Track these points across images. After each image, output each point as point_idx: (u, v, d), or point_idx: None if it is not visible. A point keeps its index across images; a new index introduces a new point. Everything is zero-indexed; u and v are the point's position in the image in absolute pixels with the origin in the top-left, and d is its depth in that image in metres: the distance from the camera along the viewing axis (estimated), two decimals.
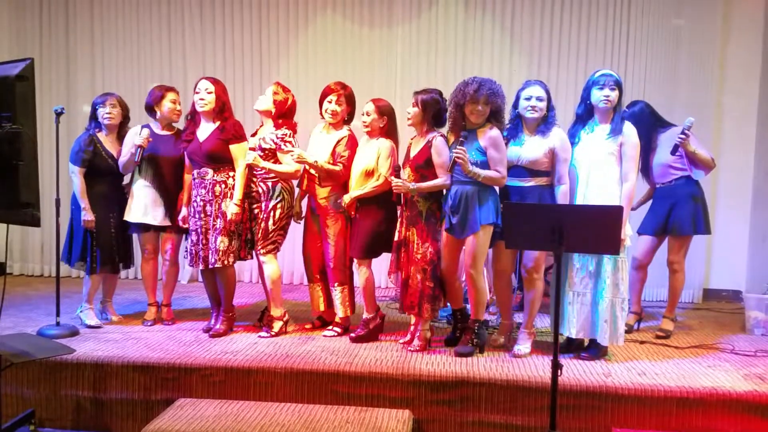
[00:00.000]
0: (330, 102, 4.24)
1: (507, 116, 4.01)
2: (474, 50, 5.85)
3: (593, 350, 3.96)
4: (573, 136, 3.96)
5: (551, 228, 2.98)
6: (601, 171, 3.84)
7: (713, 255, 5.78)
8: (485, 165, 3.81)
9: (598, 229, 3.00)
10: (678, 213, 4.38)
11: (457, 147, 3.77)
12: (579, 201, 3.87)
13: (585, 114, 3.95)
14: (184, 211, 4.36)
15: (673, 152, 4.26)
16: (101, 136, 4.40)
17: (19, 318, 4.65)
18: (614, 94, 3.80)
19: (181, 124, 4.50)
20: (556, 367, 3.08)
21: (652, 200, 4.60)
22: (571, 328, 3.88)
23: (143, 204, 4.38)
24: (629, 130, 3.86)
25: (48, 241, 6.07)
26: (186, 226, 4.34)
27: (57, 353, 3.29)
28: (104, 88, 5.68)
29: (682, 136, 4.19)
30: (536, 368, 3.71)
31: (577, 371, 3.69)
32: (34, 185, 3.02)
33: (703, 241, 5.39)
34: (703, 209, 4.41)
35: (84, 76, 6.14)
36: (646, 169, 4.53)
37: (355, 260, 4.24)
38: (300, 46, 5.99)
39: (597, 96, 3.83)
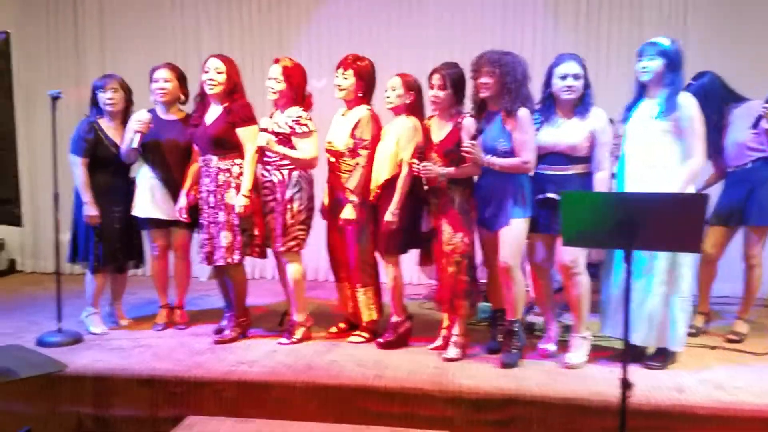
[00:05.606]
0: (337, 76, 3.78)
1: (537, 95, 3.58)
2: (515, 24, 5.34)
3: (660, 357, 3.49)
4: (628, 110, 3.53)
5: (619, 221, 2.49)
6: (656, 152, 3.39)
7: None
8: (513, 151, 3.40)
9: (676, 223, 2.49)
10: (756, 200, 3.85)
11: (467, 141, 3.40)
12: (635, 186, 3.40)
13: (639, 90, 3.52)
14: (182, 201, 3.95)
15: (755, 125, 3.74)
16: (103, 122, 4.02)
17: (23, 322, 4.31)
18: (654, 65, 3.36)
19: (190, 107, 4.08)
20: (626, 386, 2.60)
21: (725, 186, 4.07)
22: (608, 328, 3.55)
23: (150, 197, 4.00)
24: (686, 101, 3.37)
25: (61, 237, 5.76)
26: (184, 217, 3.95)
27: (45, 370, 2.93)
28: (114, 68, 5.28)
29: (767, 106, 3.63)
30: (596, 383, 3.22)
31: (644, 386, 3.17)
32: (13, 178, 2.65)
33: None
34: None
35: (92, 55, 5.79)
36: (717, 150, 3.98)
37: (381, 258, 3.81)
38: (322, 21, 5.55)
39: (636, 68, 3.44)
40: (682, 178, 3.31)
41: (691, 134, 3.35)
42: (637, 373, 3.32)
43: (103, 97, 3.98)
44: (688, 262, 3.40)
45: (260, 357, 3.61)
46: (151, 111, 3.98)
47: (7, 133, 2.60)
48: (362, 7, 5.50)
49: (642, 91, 3.49)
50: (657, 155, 3.38)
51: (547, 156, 3.47)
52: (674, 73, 3.35)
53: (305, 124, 3.71)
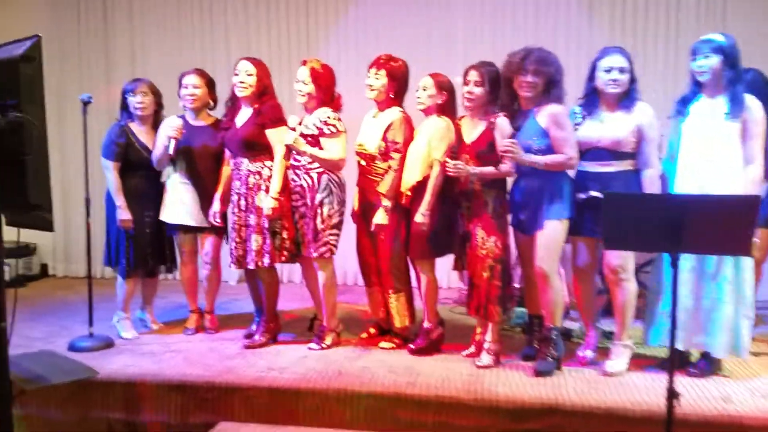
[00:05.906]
0: (369, 75, 3.70)
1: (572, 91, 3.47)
2: (547, 20, 5.20)
3: (704, 364, 3.35)
4: (682, 105, 3.37)
5: (665, 224, 2.38)
6: (716, 148, 3.23)
7: None
8: (549, 149, 3.28)
9: (726, 225, 2.38)
10: None
11: (504, 140, 3.29)
12: (691, 179, 3.26)
13: (695, 87, 3.35)
14: (216, 206, 3.92)
15: None
16: (134, 126, 4.00)
17: (54, 327, 4.31)
18: (710, 63, 3.20)
19: (219, 113, 4.04)
20: (673, 396, 2.49)
21: None
22: (678, 341, 3.25)
23: (179, 202, 3.97)
24: (753, 103, 3.24)
25: (93, 241, 5.78)
26: (217, 222, 3.91)
27: (77, 377, 2.90)
28: (143, 71, 5.28)
29: None
30: (638, 391, 3.11)
31: (688, 395, 3.05)
32: (45, 183, 2.60)
33: None
34: None
35: (122, 58, 5.79)
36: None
37: (412, 264, 3.74)
38: (350, 22, 5.47)
39: (692, 67, 3.28)
40: (748, 186, 3.16)
41: (754, 137, 3.21)
42: (681, 381, 3.20)
43: (133, 101, 3.96)
44: (749, 265, 3.26)
45: (291, 363, 3.55)
46: (180, 117, 3.95)
47: (39, 139, 2.56)
48: (390, 8, 5.42)
49: (696, 88, 3.34)
50: (717, 151, 3.23)
51: (589, 151, 3.33)
52: (733, 69, 3.19)
53: (333, 125, 3.63)
